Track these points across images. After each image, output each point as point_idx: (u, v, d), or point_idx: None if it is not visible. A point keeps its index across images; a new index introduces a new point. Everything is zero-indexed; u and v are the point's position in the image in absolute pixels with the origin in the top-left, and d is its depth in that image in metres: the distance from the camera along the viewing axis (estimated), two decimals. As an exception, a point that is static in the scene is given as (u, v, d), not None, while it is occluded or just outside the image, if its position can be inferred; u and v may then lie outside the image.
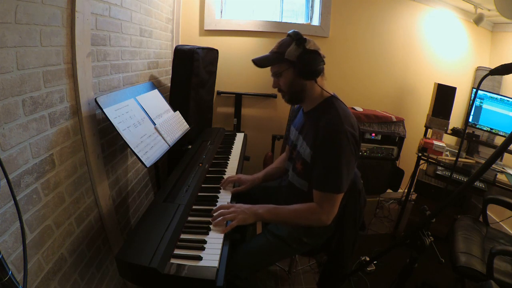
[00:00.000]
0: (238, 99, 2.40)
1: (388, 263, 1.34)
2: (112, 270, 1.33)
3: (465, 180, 2.01)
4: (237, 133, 1.99)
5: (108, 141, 1.27)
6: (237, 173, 1.43)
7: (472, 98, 2.59)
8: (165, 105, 1.55)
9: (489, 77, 1.25)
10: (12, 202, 0.75)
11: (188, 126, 1.64)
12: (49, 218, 0.92)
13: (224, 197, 1.21)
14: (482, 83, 0.97)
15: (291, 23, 2.42)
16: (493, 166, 1.95)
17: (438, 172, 2.11)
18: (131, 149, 1.10)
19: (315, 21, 2.42)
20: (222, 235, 0.96)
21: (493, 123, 2.15)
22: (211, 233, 0.97)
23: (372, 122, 2.17)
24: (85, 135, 1.08)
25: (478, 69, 2.66)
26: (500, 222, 2.23)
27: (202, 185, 1.28)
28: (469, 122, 2.24)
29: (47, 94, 0.90)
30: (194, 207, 1.12)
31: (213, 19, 2.25)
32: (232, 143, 1.80)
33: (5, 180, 0.59)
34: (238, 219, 1.01)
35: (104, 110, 1.07)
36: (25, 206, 0.82)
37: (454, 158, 1.82)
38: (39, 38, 0.84)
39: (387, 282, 1.15)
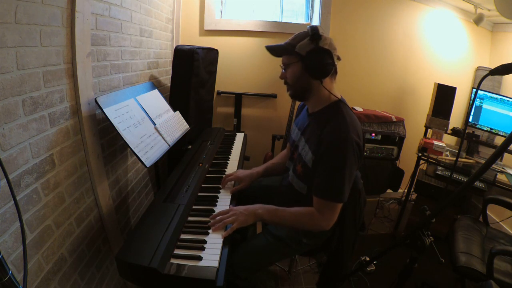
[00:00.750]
0: (238, 99, 2.40)
1: (388, 263, 1.34)
2: (112, 270, 1.33)
3: (465, 180, 2.01)
4: (237, 133, 1.99)
5: (108, 141, 1.27)
6: (237, 173, 1.43)
7: (472, 98, 2.59)
8: (165, 105, 1.55)
9: (489, 77, 1.24)
10: (12, 202, 0.75)
11: (188, 126, 1.63)
12: (49, 218, 0.92)
13: (224, 197, 1.21)
14: (482, 83, 0.97)
15: (291, 23, 2.42)
16: (493, 166, 1.95)
17: (438, 172, 2.11)
18: (131, 149, 1.10)
19: (315, 21, 2.42)
20: (222, 234, 0.96)
21: (493, 123, 2.15)
22: (211, 233, 0.97)
23: (372, 122, 2.17)
24: (85, 135, 1.08)
25: (478, 69, 2.66)
26: (500, 222, 2.22)
27: (202, 185, 1.28)
28: (469, 122, 2.24)
29: (47, 94, 0.90)
30: (194, 207, 1.12)
31: (213, 19, 2.25)
32: (232, 143, 1.80)
33: (5, 180, 0.59)
34: (239, 221, 1.00)
35: (104, 110, 1.07)
36: (25, 206, 0.82)
37: (454, 158, 1.82)
38: (39, 38, 0.84)
39: (387, 282, 1.15)
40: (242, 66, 2.38)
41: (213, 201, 1.17)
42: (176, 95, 1.75)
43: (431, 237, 0.92)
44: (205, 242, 0.93)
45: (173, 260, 0.84)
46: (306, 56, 1.00)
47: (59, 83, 0.95)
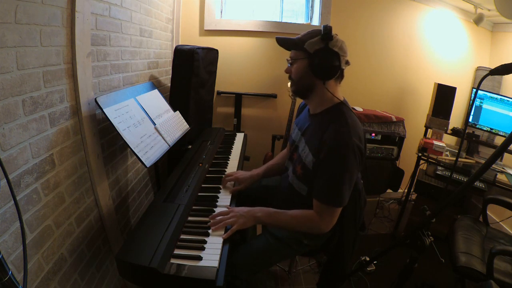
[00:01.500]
0: (238, 99, 2.40)
1: (388, 263, 1.34)
2: (112, 270, 1.33)
3: (465, 180, 2.01)
4: (237, 133, 1.99)
5: (108, 141, 1.27)
6: (237, 173, 1.43)
7: (472, 98, 2.59)
8: (165, 105, 1.55)
9: (489, 77, 1.24)
10: (12, 202, 0.75)
11: (188, 126, 1.63)
12: (49, 218, 0.92)
13: (224, 197, 1.21)
14: (482, 83, 0.97)
15: (291, 23, 2.42)
16: (493, 166, 1.95)
17: (438, 172, 2.11)
18: (131, 149, 1.10)
19: (315, 21, 2.42)
20: (222, 235, 0.96)
21: (493, 123, 2.15)
22: (211, 234, 0.97)
23: (372, 122, 2.17)
24: (85, 135, 1.08)
25: (478, 69, 2.66)
26: (500, 222, 2.22)
27: (202, 185, 1.28)
28: (469, 122, 2.24)
29: (47, 94, 0.89)
30: (194, 207, 1.12)
31: (213, 19, 2.25)
32: (232, 143, 1.80)
33: (5, 180, 0.59)
34: (238, 223, 1.00)
35: (104, 110, 1.07)
36: (25, 206, 0.82)
37: (454, 158, 1.82)
38: (39, 38, 0.84)
39: (387, 282, 1.15)
40: (242, 66, 2.38)
41: (213, 201, 1.17)
42: (176, 95, 1.75)
43: (431, 237, 0.92)
44: (205, 242, 0.93)
45: (173, 260, 0.84)
46: (313, 54, 1.00)
47: (59, 83, 0.94)
